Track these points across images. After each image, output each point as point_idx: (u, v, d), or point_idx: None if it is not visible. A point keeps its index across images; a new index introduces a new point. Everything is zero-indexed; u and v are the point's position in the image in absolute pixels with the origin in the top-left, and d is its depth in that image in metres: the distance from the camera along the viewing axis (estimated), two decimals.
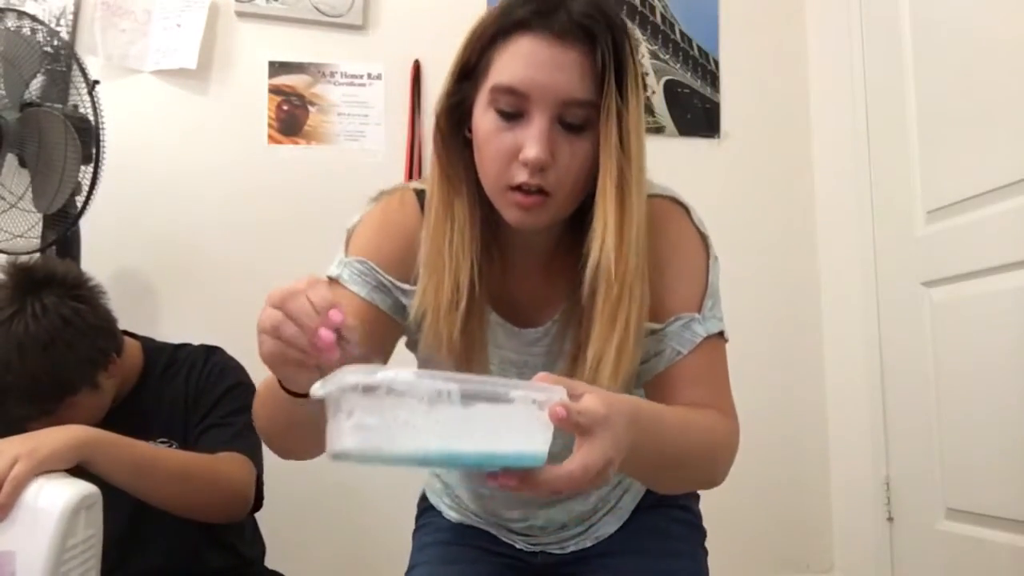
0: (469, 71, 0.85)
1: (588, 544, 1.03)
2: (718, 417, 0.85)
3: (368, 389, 0.52)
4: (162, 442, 1.27)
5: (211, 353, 1.37)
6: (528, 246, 0.92)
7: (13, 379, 1.10)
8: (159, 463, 1.12)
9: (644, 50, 2.20)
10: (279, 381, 0.71)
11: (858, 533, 2.01)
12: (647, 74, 2.10)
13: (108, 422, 1.23)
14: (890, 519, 1.89)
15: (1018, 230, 1.52)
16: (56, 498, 0.90)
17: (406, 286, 0.90)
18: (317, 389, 0.56)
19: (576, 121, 0.80)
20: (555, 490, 0.61)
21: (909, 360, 1.82)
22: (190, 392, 1.31)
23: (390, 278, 0.90)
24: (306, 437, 0.73)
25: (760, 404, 2.10)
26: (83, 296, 1.20)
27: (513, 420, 0.57)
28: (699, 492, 1.12)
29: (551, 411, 0.58)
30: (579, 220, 0.86)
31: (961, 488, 1.66)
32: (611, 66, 0.79)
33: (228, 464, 1.21)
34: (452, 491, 1.09)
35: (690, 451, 0.80)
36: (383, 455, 0.53)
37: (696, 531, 1.08)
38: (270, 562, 1.45)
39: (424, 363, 0.96)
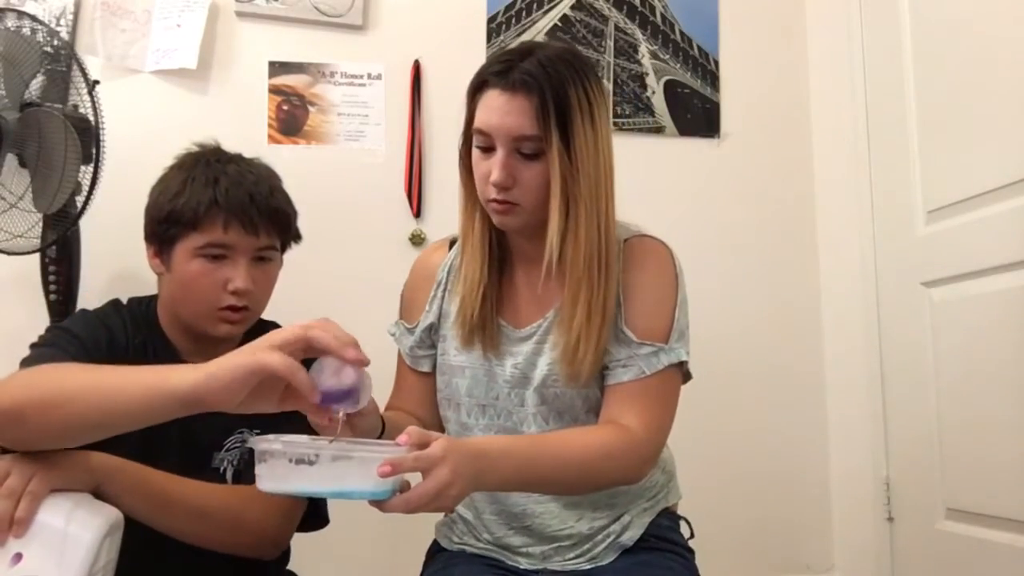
0: (470, 117, 1.09)
1: (586, 567, 1.12)
2: (619, 435, 1.02)
3: (263, 452, 0.80)
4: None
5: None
6: (526, 257, 1.13)
7: (277, 200, 1.22)
8: (175, 499, 1.04)
9: (644, 50, 2.20)
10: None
11: (858, 533, 2.01)
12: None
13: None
14: (890, 519, 1.89)
15: (1018, 230, 1.52)
16: (87, 524, 0.88)
17: (429, 320, 1.18)
18: (250, 443, 0.82)
19: (529, 151, 1.03)
20: (402, 511, 0.80)
21: (909, 360, 1.82)
22: None
23: (414, 325, 1.19)
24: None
25: (760, 404, 2.10)
26: None
27: (357, 470, 0.78)
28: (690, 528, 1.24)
29: (379, 470, 0.76)
30: None
31: (961, 488, 1.66)
32: (551, 109, 1.01)
33: (259, 503, 1.08)
34: (469, 523, 1.19)
35: (567, 465, 0.98)
36: (275, 491, 0.82)
37: (691, 572, 1.15)
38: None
39: (449, 355, 1.17)
